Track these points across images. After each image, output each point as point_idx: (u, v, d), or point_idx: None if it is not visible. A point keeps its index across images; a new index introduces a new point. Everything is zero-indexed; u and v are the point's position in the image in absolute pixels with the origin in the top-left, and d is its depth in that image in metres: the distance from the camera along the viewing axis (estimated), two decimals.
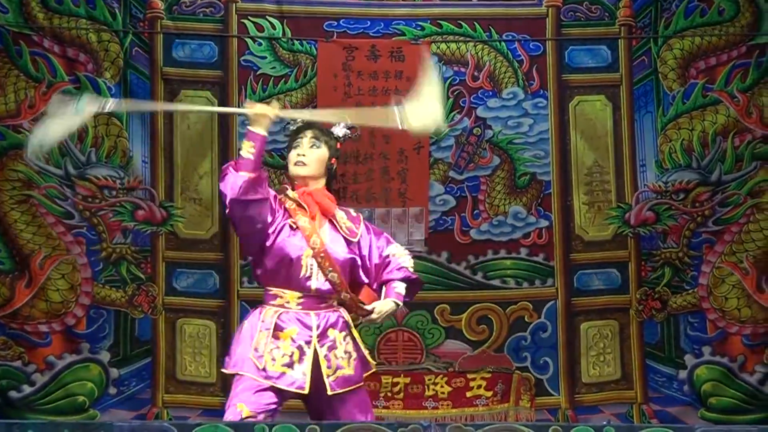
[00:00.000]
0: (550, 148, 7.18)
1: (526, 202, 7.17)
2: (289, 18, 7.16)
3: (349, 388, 4.61)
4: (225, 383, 6.97)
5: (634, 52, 7.22)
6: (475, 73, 7.19)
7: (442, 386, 7.00)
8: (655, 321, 7.14)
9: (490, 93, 7.20)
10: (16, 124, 6.96)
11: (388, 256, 4.81)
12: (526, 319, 7.14)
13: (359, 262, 4.74)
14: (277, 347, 4.52)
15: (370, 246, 4.79)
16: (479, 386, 7.00)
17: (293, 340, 4.53)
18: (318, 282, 4.60)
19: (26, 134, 6.86)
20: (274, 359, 4.51)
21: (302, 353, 4.52)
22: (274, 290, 4.63)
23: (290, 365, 4.50)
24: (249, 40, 7.15)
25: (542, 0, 7.22)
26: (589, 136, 7.22)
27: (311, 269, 4.58)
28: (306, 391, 4.51)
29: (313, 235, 4.58)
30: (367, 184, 7.08)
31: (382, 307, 4.72)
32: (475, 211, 7.16)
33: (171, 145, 7.12)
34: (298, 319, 4.57)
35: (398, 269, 4.79)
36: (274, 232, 4.59)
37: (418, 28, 7.19)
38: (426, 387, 6.97)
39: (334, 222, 4.72)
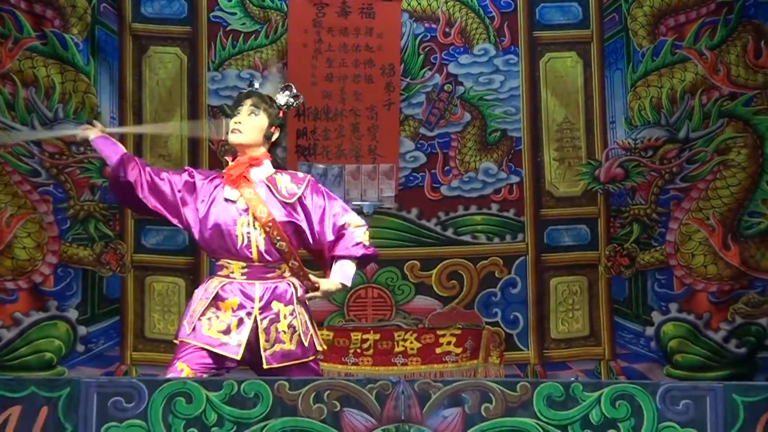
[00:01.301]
0: (521, 104, 7.18)
1: (496, 159, 7.18)
2: None
3: (288, 363, 4.43)
4: None
5: (605, 9, 7.21)
6: (447, 30, 7.17)
7: (411, 342, 7.03)
8: (623, 278, 7.19)
9: (461, 49, 7.18)
10: None
11: (344, 226, 4.54)
12: (496, 275, 7.17)
13: (303, 226, 4.52)
14: (216, 316, 4.41)
15: (314, 208, 4.54)
16: (449, 342, 7.03)
17: (234, 311, 4.42)
18: (259, 249, 4.45)
19: None
20: (210, 326, 4.39)
21: (241, 323, 4.40)
22: (221, 261, 4.50)
23: (226, 332, 4.39)
24: None
25: None
26: (559, 92, 7.22)
27: (247, 237, 4.44)
28: (238, 357, 4.37)
29: (260, 205, 4.45)
30: (337, 140, 7.06)
31: (328, 286, 4.51)
32: (445, 168, 7.16)
33: (140, 101, 7.06)
34: (241, 290, 4.44)
35: (354, 245, 4.53)
36: (203, 202, 4.50)
37: None
38: (396, 343, 6.99)
39: (270, 186, 4.52)
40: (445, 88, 7.15)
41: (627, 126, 7.14)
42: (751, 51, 7.10)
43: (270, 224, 4.44)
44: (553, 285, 7.18)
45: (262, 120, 4.52)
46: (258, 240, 4.44)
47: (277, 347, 4.42)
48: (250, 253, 4.45)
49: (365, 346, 6.97)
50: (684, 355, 7.12)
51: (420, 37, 7.15)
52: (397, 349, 6.97)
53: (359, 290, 7.11)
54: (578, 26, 7.23)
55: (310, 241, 4.55)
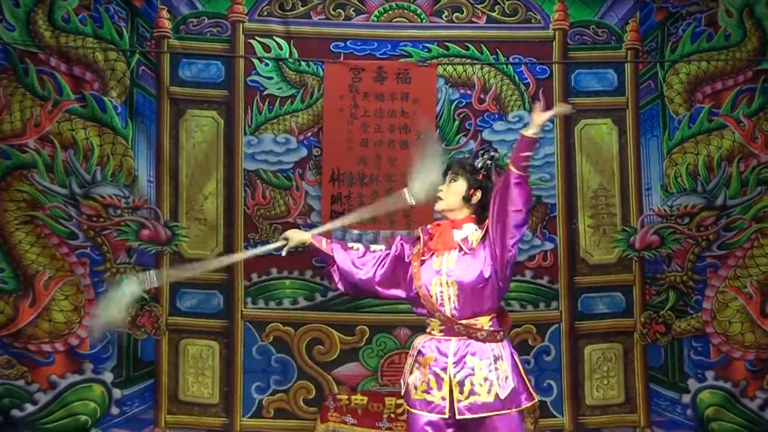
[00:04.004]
0: (556, 171, 7.17)
1: (531, 225, 7.16)
2: (296, 38, 7.16)
3: (483, 414, 4.69)
4: (227, 404, 7.04)
5: (641, 76, 7.22)
6: (482, 96, 7.19)
7: None
8: (659, 345, 7.15)
9: (496, 116, 7.19)
10: (21, 143, 6.97)
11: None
12: (529, 342, 7.14)
13: (488, 276, 4.78)
14: (418, 374, 4.81)
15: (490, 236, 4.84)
16: None
17: (430, 367, 4.78)
18: (451, 307, 4.77)
19: (32, 154, 6.92)
20: (416, 387, 4.81)
21: (438, 379, 4.74)
22: (427, 319, 4.90)
23: (428, 391, 4.76)
24: (255, 61, 7.15)
25: (549, 23, 7.21)
26: (594, 159, 7.21)
27: (440, 296, 4.79)
28: (446, 416, 4.70)
29: (450, 267, 4.80)
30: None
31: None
32: None
33: (176, 164, 7.12)
34: (437, 347, 4.79)
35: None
36: (410, 264, 4.92)
37: (425, 50, 7.18)
38: None
39: (462, 246, 4.84)
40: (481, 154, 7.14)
41: (663, 193, 7.12)
42: None
43: (457, 285, 4.77)
44: (588, 352, 7.15)
45: (461, 185, 4.91)
46: (451, 299, 4.78)
47: (472, 399, 4.71)
48: (444, 310, 4.76)
49: (399, 411, 6.93)
50: (720, 423, 7.08)
51: (455, 102, 7.18)
52: None
53: (393, 355, 7.12)
54: (614, 93, 7.23)
55: (496, 278, 4.82)
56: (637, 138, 7.20)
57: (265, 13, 7.17)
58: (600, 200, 7.21)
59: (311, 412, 7.07)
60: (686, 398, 7.13)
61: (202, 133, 7.16)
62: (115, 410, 7.02)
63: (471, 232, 4.89)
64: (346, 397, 6.94)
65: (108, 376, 7.01)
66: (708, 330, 7.13)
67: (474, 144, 7.15)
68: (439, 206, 4.95)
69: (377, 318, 7.12)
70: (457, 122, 7.18)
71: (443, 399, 4.72)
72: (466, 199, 4.92)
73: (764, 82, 7.10)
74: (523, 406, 4.84)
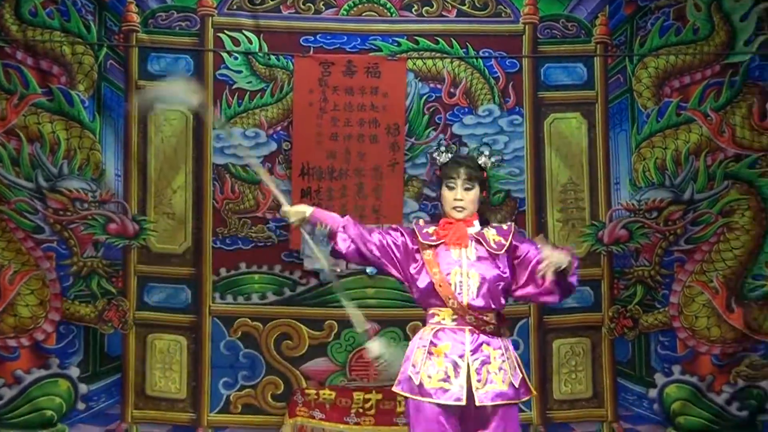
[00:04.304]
0: (525, 165, 7.18)
1: (500, 219, 7.12)
2: (266, 32, 7.13)
3: (500, 402, 4.72)
4: (194, 399, 7.01)
5: (610, 70, 7.24)
6: (451, 90, 7.18)
7: None
8: (627, 339, 7.17)
9: (466, 110, 7.19)
10: None
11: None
12: None
13: (505, 275, 4.84)
14: (432, 364, 4.74)
15: (522, 253, 4.87)
16: None
17: (446, 356, 4.74)
18: (469, 297, 4.78)
19: None
20: (429, 376, 4.73)
21: (456, 367, 4.72)
22: (433, 310, 4.86)
23: (446, 380, 4.72)
24: (225, 55, 7.11)
25: (519, 17, 7.22)
26: (564, 153, 7.23)
27: (460, 285, 4.78)
28: (464, 403, 4.68)
29: (448, 297, 4.79)
30: (341, 200, 7.04)
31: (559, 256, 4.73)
32: None
33: (145, 158, 7.07)
34: (452, 336, 4.78)
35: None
36: (420, 255, 4.87)
37: (395, 44, 7.17)
38: (398, 403, 6.93)
39: (481, 241, 4.86)
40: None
41: (631, 187, 7.15)
42: (756, 113, 7.13)
43: (479, 276, 4.79)
44: (556, 347, 7.16)
45: (476, 191, 4.93)
46: (471, 289, 4.78)
47: (489, 387, 4.71)
48: (461, 299, 4.77)
49: (367, 406, 6.93)
50: (686, 417, 7.11)
51: (425, 97, 7.17)
52: (399, 410, 6.90)
53: (361, 350, 7.08)
54: (583, 87, 7.24)
55: (512, 286, 4.88)
56: (606, 132, 7.22)
57: (235, 7, 7.14)
58: (569, 194, 7.22)
59: (279, 408, 7.05)
60: (653, 393, 7.15)
61: (171, 127, 7.11)
62: (81, 405, 6.97)
63: (484, 228, 4.93)
64: (314, 392, 6.93)
65: (74, 371, 6.96)
66: (675, 324, 7.16)
67: (444, 138, 7.14)
68: (461, 215, 4.91)
69: (345, 313, 7.07)
70: (426, 116, 7.17)
71: (461, 387, 4.70)
72: (480, 201, 4.98)
73: (732, 76, 7.13)
74: (526, 399, 4.92)
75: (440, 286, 4.80)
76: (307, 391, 6.94)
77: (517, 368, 4.85)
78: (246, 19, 7.11)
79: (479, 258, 4.84)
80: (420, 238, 4.89)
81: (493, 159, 5.07)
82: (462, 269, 4.82)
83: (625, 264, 7.20)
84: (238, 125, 7.11)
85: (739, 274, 7.14)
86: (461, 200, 4.89)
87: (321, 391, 6.93)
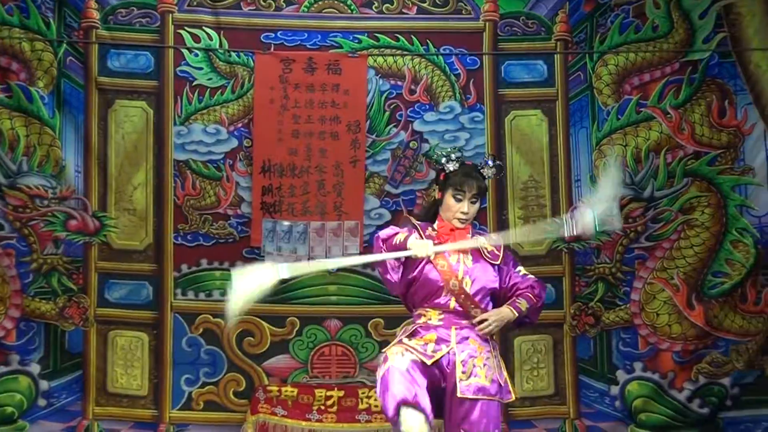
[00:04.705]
0: None
1: None
2: (227, 29, 7.14)
3: (482, 397, 4.77)
4: (156, 396, 6.99)
5: (570, 68, 7.27)
6: (412, 87, 7.20)
7: (375, 399, 6.97)
8: (588, 336, 7.19)
9: (427, 107, 7.21)
10: None
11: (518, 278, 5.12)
12: None
13: (496, 284, 5.01)
14: (415, 342, 4.84)
15: (507, 272, 5.10)
16: None
17: (431, 340, 4.85)
18: (456, 304, 4.90)
19: None
20: (413, 346, 4.81)
21: (441, 341, 4.83)
22: (419, 310, 4.97)
23: (425, 346, 4.81)
24: (185, 51, 7.12)
25: (479, 14, 7.24)
26: (524, 150, 7.25)
27: (450, 298, 4.91)
28: (429, 362, 4.74)
29: (452, 278, 4.90)
30: (302, 197, 7.05)
31: (504, 313, 4.95)
32: None
33: (105, 154, 7.06)
34: (437, 334, 4.87)
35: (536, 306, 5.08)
36: (420, 268, 4.95)
37: (356, 41, 7.19)
38: (360, 400, 6.94)
39: (480, 251, 5.00)
40: (411, 145, 7.17)
41: (592, 184, 7.14)
42: (715, 110, 7.17)
43: (463, 296, 4.89)
44: (518, 344, 7.17)
45: (479, 203, 5.09)
46: (470, 289, 4.91)
47: (473, 380, 4.80)
48: (449, 303, 4.89)
49: (329, 402, 6.93)
50: (648, 414, 7.11)
51: (386, 94, 7.19)
52: (361, 406, 6.92)
53: (323, 347, 7.10)
54: (543, 84, 7.27)
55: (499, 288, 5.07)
56: (567, 129, 7.25)
57: (195, 4, 7.16)
58: (530, 192, 7.24)
59: (241, 405, 7.04)
60: (615, 390, 7.16)
61: (132, 123, 7.11)
62: (42, 402, 6.94)
63: (478, 237, 5.06)
64: (276, 389, 6.92)
65: (35, 368, 6.93)
66: (636, 321, 7.17)
67: (404, 135, 7.15)
68: (461, 225, 5.01)
69: (307, 309, 7.11)
70: (387, 113, 7.18)
71: (440, 353, 4.79)
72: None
73: (691, 73, 7.16)
74: (506, 400, 4.95)
75: (446, 273, 4.89)
76: (269, 388, 6.94)
77: (502, 370, 4.93)
78: (206, 16, 7.12)
79: (476, 265, 4.96)
80: (424, 239, 4.98)
81: (494, 170, 5.15)
82: (460, 272, 4.92)
83: (586, 261, 7.22)
84: (199, 122, 7.11)
85: (700, 271, 7.16)
86: (467, 213, 5.01)
87: (283, 388, 6.92)
